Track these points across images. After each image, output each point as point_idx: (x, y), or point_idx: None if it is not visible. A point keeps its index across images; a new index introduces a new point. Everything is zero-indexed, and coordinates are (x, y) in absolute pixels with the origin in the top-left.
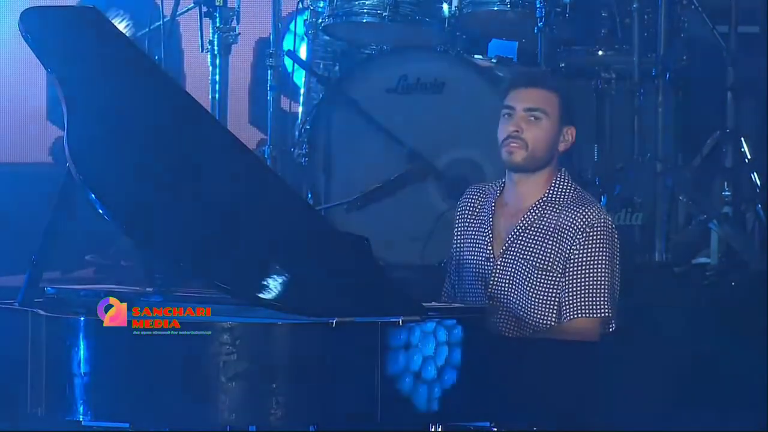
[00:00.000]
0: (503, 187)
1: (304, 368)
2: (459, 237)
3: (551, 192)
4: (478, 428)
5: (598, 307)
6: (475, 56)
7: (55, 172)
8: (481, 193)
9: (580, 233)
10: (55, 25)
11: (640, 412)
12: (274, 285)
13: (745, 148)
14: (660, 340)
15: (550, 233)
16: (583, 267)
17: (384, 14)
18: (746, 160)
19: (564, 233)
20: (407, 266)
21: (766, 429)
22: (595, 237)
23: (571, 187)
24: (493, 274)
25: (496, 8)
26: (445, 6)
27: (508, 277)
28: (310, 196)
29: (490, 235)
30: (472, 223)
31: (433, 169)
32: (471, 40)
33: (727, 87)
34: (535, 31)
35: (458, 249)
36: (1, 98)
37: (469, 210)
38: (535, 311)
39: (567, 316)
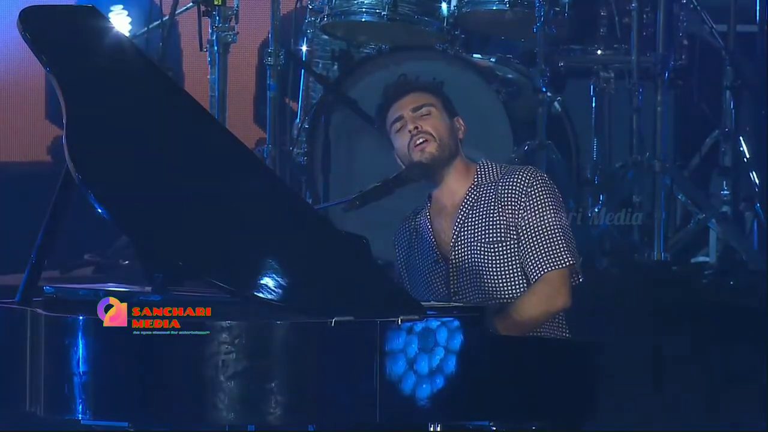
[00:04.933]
0: (430, 198)
1: (303, 367)
2: (403, 264)
3: (479, 177)
4: (477, 427)
5: (559, 257)
6: (474, 55)
7: (53, 171)
8: (410, 217)
9: (522, 195)
10: (54, 24)
11: (639, 411)
12: (272, 284)
13: (744, 147)
14: (659, 339)
15: (492, 208)
16: (535, 227)
17: (383, 13)
18: (745, 160)
19: (506, 201)
20: None
21: (766, 429)
22: (536, 194)
23: (497, 166)
24: (450, 271)
25: (495, 7)
26: (444, 5)
27: (466, 266)
28: (308, 195)
29: (434, 241)
30: (413, 244)
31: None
32: (470, 39)
33: (725, 86)
34: (534, 30)
35: (406, 273)
36: None
37: (405, 236)
38: (503, 285)
39: (534, 276)
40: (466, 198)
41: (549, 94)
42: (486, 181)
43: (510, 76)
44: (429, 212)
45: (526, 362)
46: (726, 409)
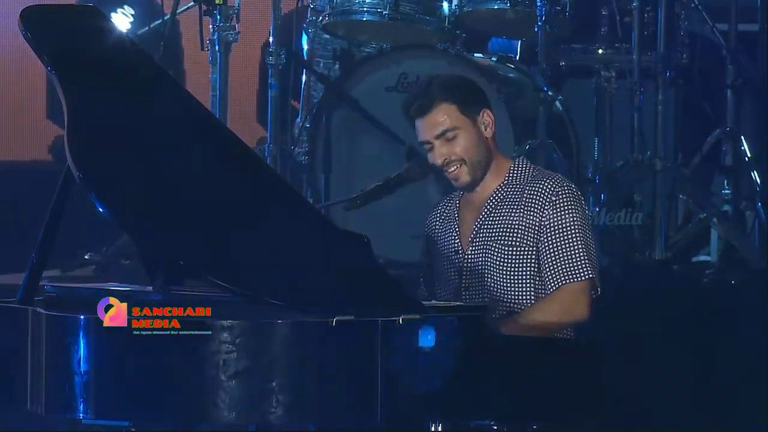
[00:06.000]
0: None
1: (304, 367)
2: (428, 246)
3: (510, 176)
4: (478, 426)
5: (580, 270)
6: (475, 55)
7: (54, 170)
8: (445, 202)
9: (546, 203)
10: (55, 24)
11: (640, 411)
12: (273, 283)
13: (745, 146)
14: (659, 339)
15: (515, 210)
16: (557, 235)
17: (384, 12)
18: (746, 159)
19: (530, 206)
20: (407, 264)
21: (766, 429)
22: (561, 203)
23: (530, 168)
24: (465, 264)
25: (496, 6)
26: (445, 4)
27: (479, 263)
28: (309, 194)
29: (457, 230)
30: (439, 228)
31: (432, 167)
32: (471, 38)
33: (727, 85)
34: (536, 29)
35: (428, 256)
36: (0, 96)
37: (436, 219)
38: (511, 289)
39: (552, 286)
40: (492, 195)
41: (550, 93)
42: (515, 182)
43: (511, 75)
44: (459, 201)
45: (527, 361)
46: (726, 409)
